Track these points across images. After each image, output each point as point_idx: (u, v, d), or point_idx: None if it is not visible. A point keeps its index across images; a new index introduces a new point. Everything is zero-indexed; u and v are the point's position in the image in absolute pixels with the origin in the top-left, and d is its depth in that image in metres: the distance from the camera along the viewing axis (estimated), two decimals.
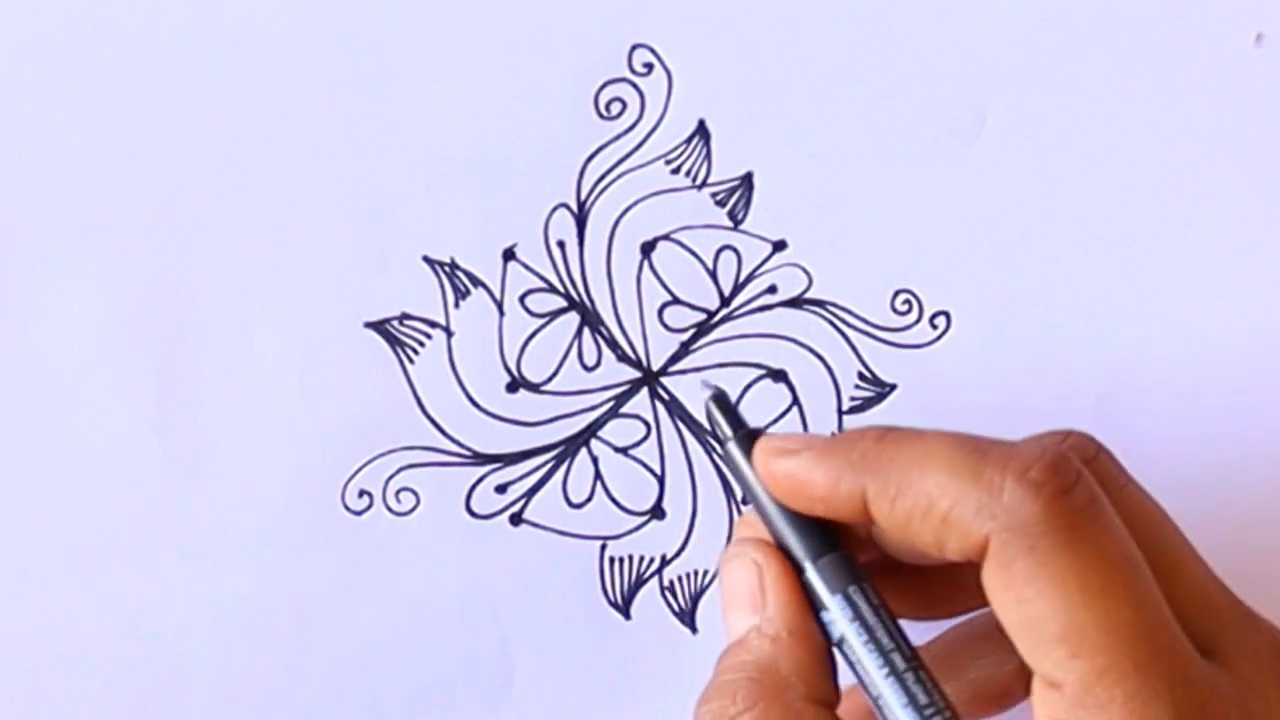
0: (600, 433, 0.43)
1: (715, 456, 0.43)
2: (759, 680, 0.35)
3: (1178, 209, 0.43)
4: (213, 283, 0.42)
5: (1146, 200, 0.43)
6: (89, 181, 0.42)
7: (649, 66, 0.42)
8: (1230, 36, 0.43)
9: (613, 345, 0.43)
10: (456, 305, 0.43)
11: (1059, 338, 0.43)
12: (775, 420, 0.43)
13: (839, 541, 0.35)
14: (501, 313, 0.43)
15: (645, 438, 0.43)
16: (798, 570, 0.35)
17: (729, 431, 0.37)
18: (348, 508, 0.42)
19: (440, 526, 0.43)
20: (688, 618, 0.43)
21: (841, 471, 0.35)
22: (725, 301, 0.43)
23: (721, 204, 0.43)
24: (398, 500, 0.43)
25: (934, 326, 0.43)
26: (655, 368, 0.43)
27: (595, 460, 0.43)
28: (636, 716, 0.43)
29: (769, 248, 0.43)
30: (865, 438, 0.35)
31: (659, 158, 0.42)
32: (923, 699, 0.34)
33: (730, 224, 0.43)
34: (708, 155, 0.42)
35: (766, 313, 0.43)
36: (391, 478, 0.42)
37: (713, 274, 0.43)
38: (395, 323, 0.42)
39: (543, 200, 0.42)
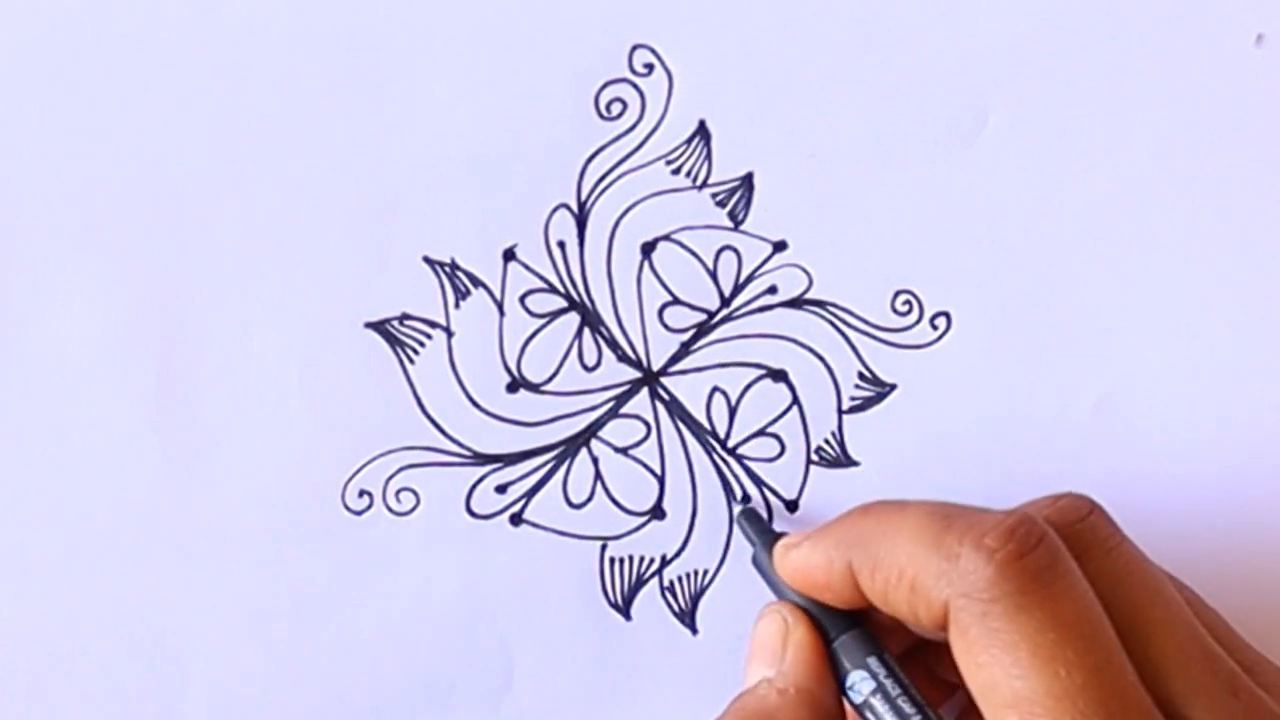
0: (600, 433, 0.43)
1: (715, 457, 0.43)
2: None
3: (1178, 209, 0.43)
4: (213, 283, 0.42)
5: (1146, 200, 0.43)
6: (89, 182, 0.42)
7: (649, 67, 0.42)
8: (1230, 36, 0.43)
9: (613, 345, 0.43)
10: (457, 305, 0.43)
11: (1059, 338, 0.43)
12: (775, 420, 0.43)
13: (864, 622, 0.38)
14: (502, 313, 0.43)
15: (645, 438, 0.43)
16: (825, 642, 0.38)
17: (757, 540, 0.41)
18: (348, 508, 0.42)
19: (440, 526, 0.43)
20: (688, 618, 0.43)
21: (831, 551, 0.37)
22: (725, 302, 0.43)
23: (722, 204, 0.43)
24: (398, 500, 0.43)
25: (934, 327, 0.43)
26: (655, 368, 0.43)
27: (595, 460, 0.43)
28: (636, 716, 0.43)
29: (769, 248, 0.43)
30: (852, 514, 0.37)
31: (659, 158, 0.42)
32: None
33: (730, 224, 0.43)
34: (708, 156, 0.42)
35: (767, 313, 0.43)
36: (392, 478, 0.42)
37: (713, 274, 0.43)
38: (395, 323, 0.42)
39: (543, 200, 0.42)
